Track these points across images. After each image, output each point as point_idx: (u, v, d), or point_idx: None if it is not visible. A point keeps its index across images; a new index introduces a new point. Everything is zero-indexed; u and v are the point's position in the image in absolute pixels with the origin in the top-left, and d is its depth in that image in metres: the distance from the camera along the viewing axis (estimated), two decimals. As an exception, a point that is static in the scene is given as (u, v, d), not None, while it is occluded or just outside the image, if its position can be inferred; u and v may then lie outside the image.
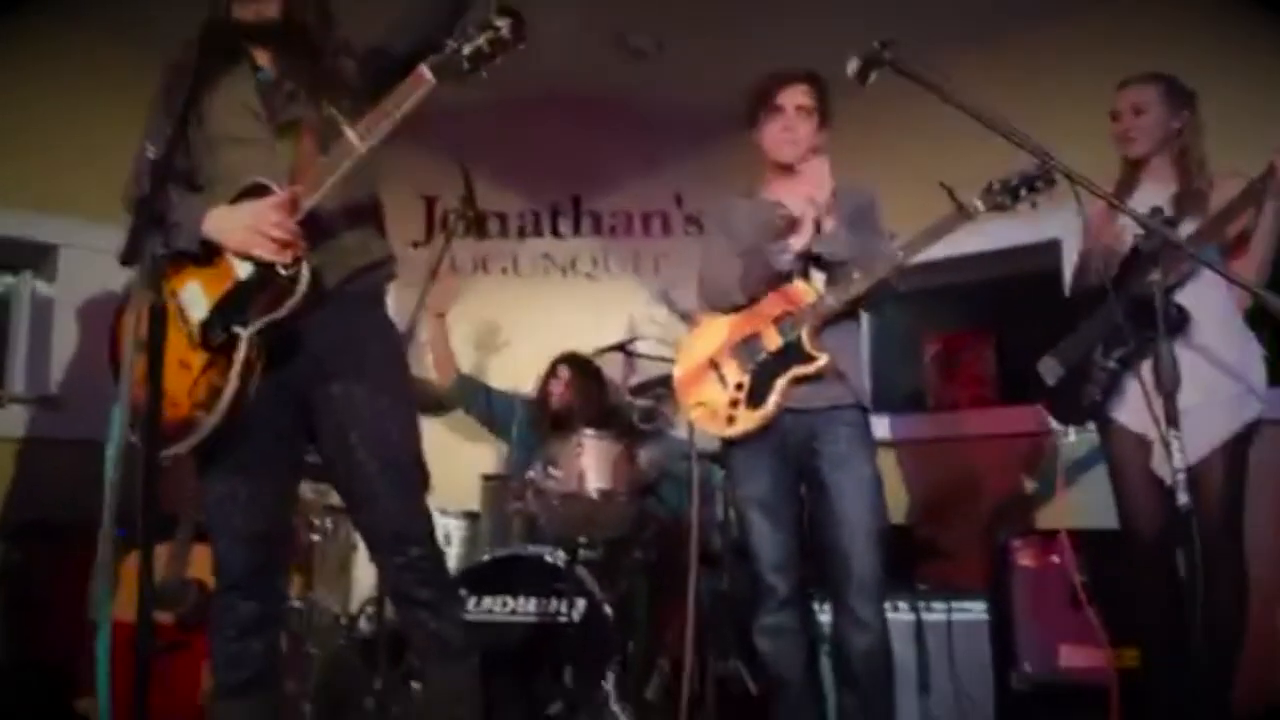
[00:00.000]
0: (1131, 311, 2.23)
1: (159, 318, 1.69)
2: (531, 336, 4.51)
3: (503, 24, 1.96)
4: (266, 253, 1.99)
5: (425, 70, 1.97)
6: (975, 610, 3.07)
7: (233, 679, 2.14)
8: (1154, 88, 2.66)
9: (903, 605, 3.06)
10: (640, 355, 4.02)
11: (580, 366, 4.11)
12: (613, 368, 4.11)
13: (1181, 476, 1.86)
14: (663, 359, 3.83)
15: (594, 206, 4.94)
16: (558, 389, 4.06)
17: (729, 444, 2.65)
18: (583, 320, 4.55)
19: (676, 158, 4.84)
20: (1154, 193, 2.60)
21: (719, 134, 4.70)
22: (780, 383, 2.52)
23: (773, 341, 2.56)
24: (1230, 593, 2.48)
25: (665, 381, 3.75)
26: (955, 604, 3.07)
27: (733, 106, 4.19)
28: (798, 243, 2.51)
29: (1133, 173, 2.70)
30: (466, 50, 1.94)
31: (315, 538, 3.46)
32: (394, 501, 2.15)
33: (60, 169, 3.85)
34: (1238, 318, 2.57)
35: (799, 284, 2.58)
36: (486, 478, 4.07)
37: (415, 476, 2.26)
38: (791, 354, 2.54)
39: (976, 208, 2.39)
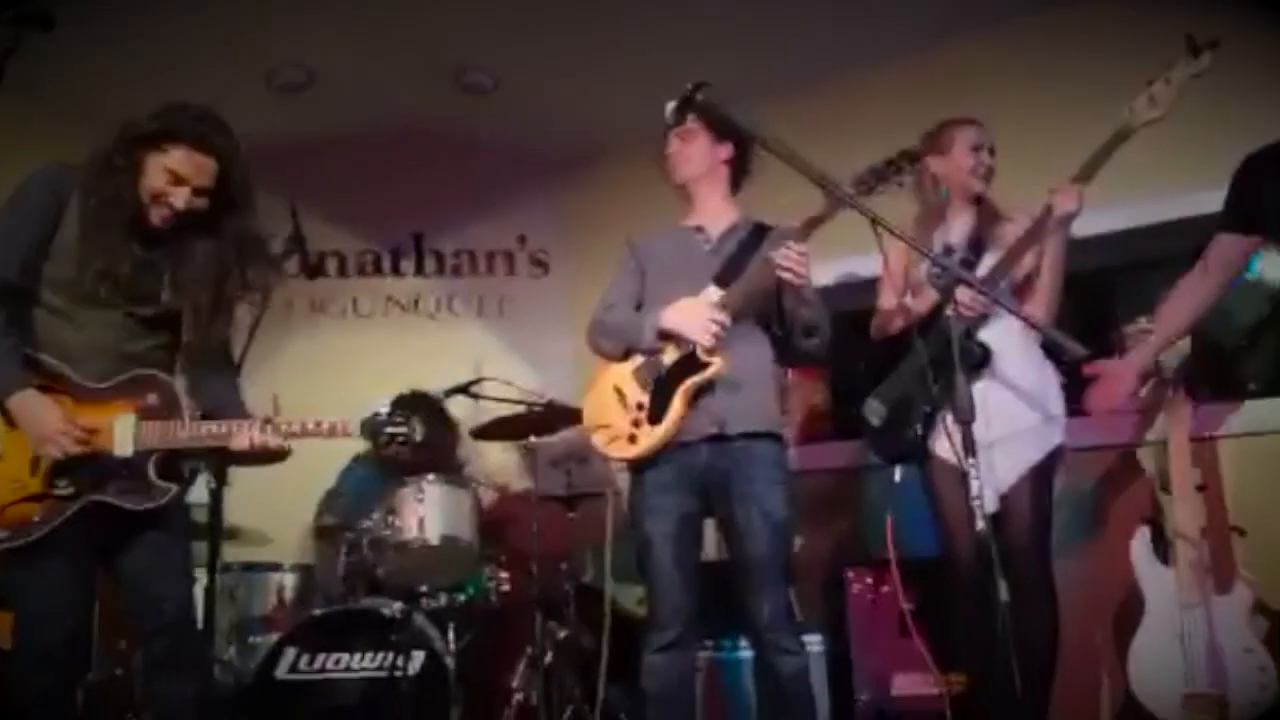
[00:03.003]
0: (938, 350, 2.32)
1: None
2: (372, 378, 4.38)
3: None
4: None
5: None
6: (812, 642, 3.12)
7: None
8: (959, 129, 2.80)
9: (743, 641, 3.09)
10: (486, 397, 3.96)
11: (423, 408, 4.01)
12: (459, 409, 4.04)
13: (977, 504, 1.95)
14: (510, 400, 3.80)
15: (437, 245, 4.87)
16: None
17: (637, 473, 2.61)
18: (427, 361, 4.45)
19: (520, 196, 4.84)
20: (954, 230, 2.75)
21: (563, 172, 4.75)
22: (678, 393, 2.50)
23: (670, 355, 2.55)
24: (1042, 613, 2.60)
25: (510, 423, 3.73)
26: (795, 637, 3.12)
27: (576, 144, 4.23)
28: (668, 359, 2.55)
29: (933, 216, 2.80)
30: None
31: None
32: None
33: None
34: (1037, 349, 2.71)
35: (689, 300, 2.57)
36: (321, 529, 3.92)
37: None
38: (687, 364, 2.52)
39: (848, 192, 2.33)
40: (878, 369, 2.80)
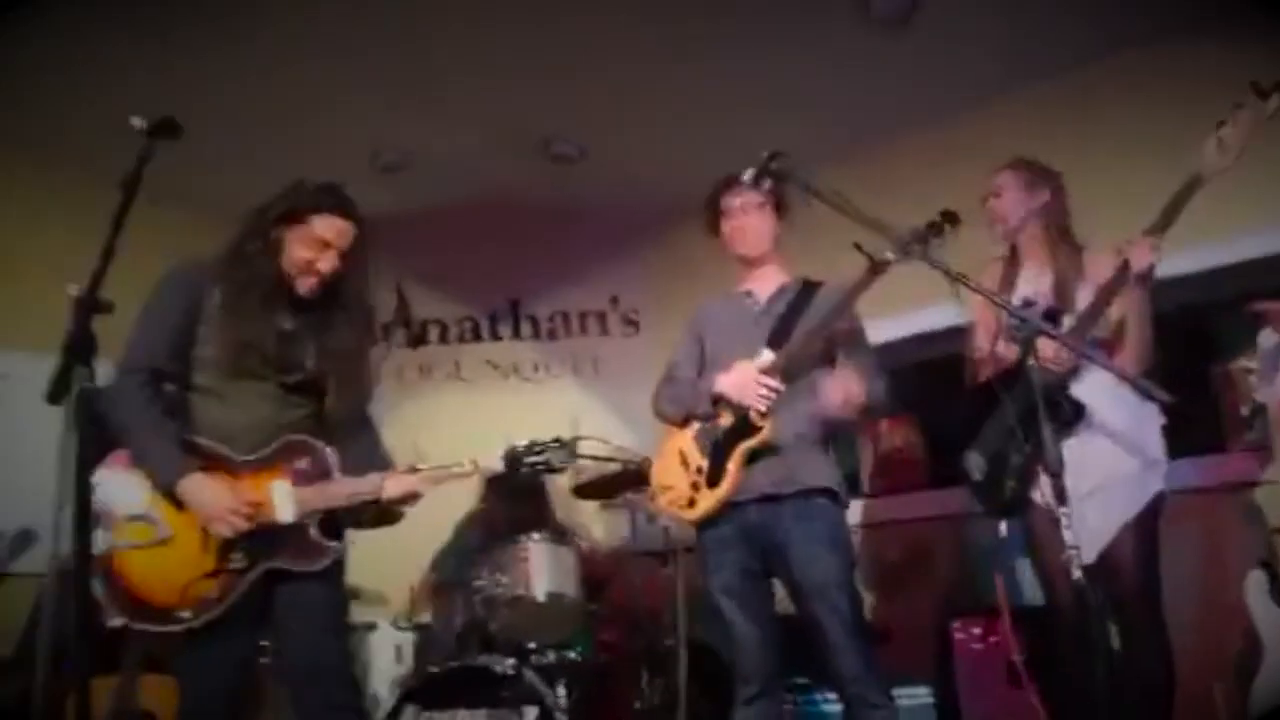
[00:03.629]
0: (1027, 403, 2.33)
1: (85, 453, 1.74)
2: (478, 438, 4.53)
3: None
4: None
5: None
6: (920, 695, 3.12)
7: None
8: (1011, 171, 2.83)
9: (831, 694, 3.06)
10: (583, 456, 4.06)
11: (516, 485, 4.16)
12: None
13: (1073, 553, 1.95)
14: (606, 459, 3.90)
15: (532, 310, 5.06)
16: (494, 504, 4.11)
17: (700, 532, 2.70)
18: (526, 422, 4.58)
19: (610, 259, 5.00)
20: (1033, 278, 2.75)
21: (649, 232, 4.89)
22: (733, 457, 2.58)
23: (725, 420, 2.64)
24: (1154, 663, 2.54)
25: (609, 480, 3.82)
26: (901, 690, 3.10)
27: (660, 205, 4.36)
28: (725, 423, 2.64)
29: (1011, 264, 2.83)
30: None
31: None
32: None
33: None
34: (1132, 395, 2.67)
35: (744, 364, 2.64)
36: (434, 588, 4.06)
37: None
38: (741, 429, 2.60)
39: (888, 257, 2.50)
40: (973, 416, 2.80)
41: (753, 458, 2.59)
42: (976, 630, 3.20)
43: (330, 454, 2.36)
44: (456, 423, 4.72)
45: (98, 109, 3.01)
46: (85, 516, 1.69)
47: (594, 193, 4.69)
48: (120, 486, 2.24)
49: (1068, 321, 2.51)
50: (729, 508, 2.61)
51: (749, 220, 2.78)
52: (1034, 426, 2.07)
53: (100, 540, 2.14)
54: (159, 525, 2.23)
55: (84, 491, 1.72)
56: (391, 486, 2.35)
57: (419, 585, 4.16)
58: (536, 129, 4.31)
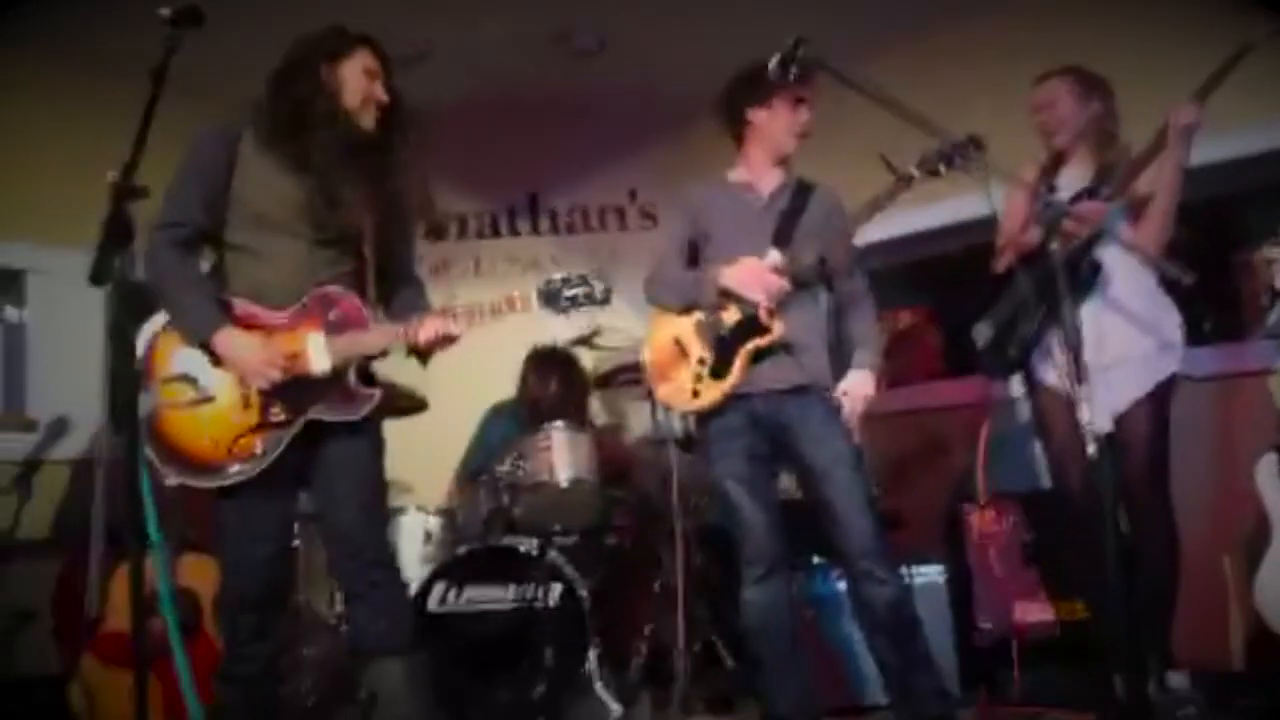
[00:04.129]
0: (1046, 281, 2.35)
1: (122, 335, 1.79)
2: (498, 334, 4.57)
3: None
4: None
5: None
6: (933, 573, 3.23)
7: (236, 672, 2.35)
8: (1062, 81, 2.78)
9: (836, 572, 3.20)
10: (604, 348, 4.14)
11: (558, 358, 4.24)
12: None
13: (1089, 429, 2.00)
14: (626, 349, 3.96)
15: (551, 204, 5.04)
16: (536, 383, 4.18)
17: (703, 423, 2.75)
18: (546, 317, 4.64)
19: (629, 152, 4.95)
20: (1076, 177, 2.72)
21: (668, 127, 4.83)
22: (740, 354, 2.63)
23: (732, 316, 2.67)
24: (1160, 540, 2.63)
25: (629, 370, 3.89)
26: (914, 568, 3.22)
27: (679, 98, 4.31)
28: (730, 318, 2.66)
29: (1055, 160, 2.80)
30: None
31: (298, 544, 3.54)
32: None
33: (24, 195, 3.92)
34: (1151, 278, 2.69)
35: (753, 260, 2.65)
36: (465, 478, 4.19)
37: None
38: (749, 326, 2.64)
39: (912, 173, 2.47)
40: (989, 300, 2.83)
41: (759, 356, 2.64)
42: (986, 512, 3.29)
43: (362, 303, 2.33)
44: (476, 319, 4.75)
45: (122, 7, 3.00)
46: (134, 389, 1.74)
47: (613, 86, 4.63)
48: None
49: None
50: (734, 398, 2.66)
51: (797, 114, 2.71)
52: (1051, 300, 2.09)
53: (143, 403, 2.16)
54: (200, 383, 2.26)
55: (128, 365, 1.77)
56: (425, 329, 2.27)
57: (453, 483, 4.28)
58: (556, 21, 4.23)
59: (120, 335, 1.76)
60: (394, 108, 2.38)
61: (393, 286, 2.46)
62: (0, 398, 4.03)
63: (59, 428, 3.83)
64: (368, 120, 2.34)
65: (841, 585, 3.11)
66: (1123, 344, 2.60)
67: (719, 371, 2.65)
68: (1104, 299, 2.61)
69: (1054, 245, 2.10)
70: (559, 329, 4.20)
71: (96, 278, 1.84)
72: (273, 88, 2.33)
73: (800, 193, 2.76)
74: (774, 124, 2.74)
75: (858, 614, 2.77)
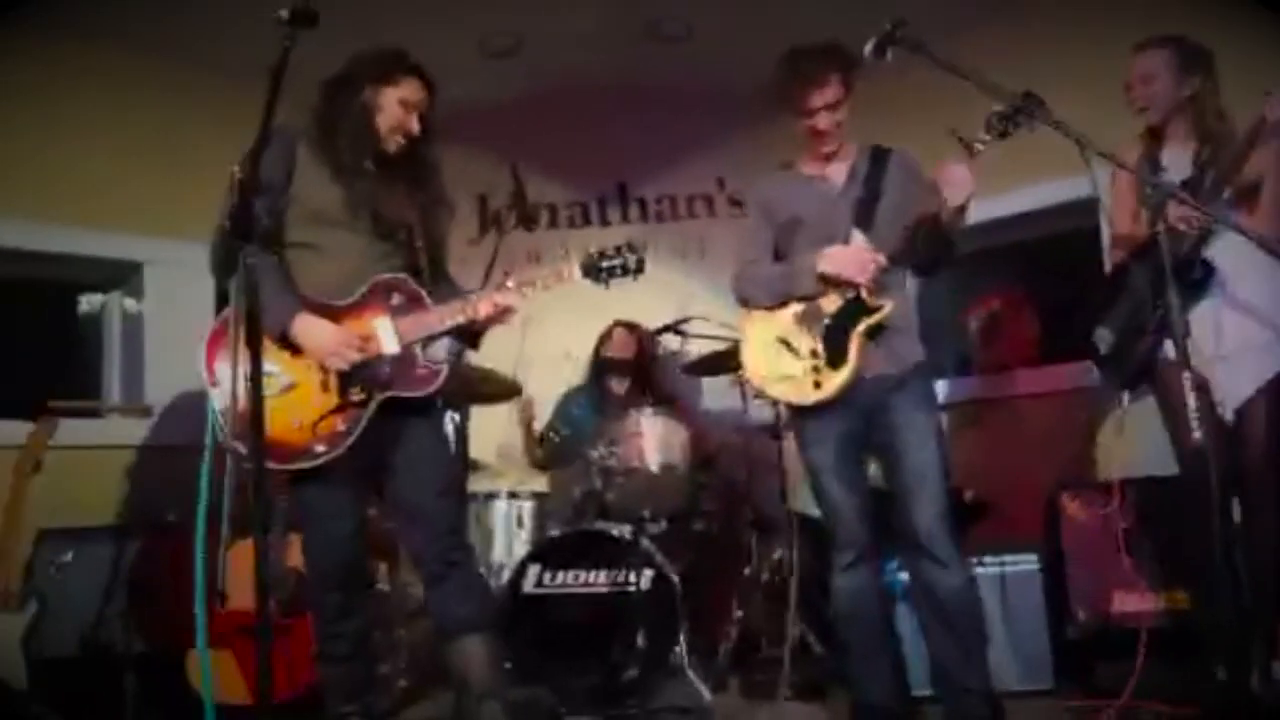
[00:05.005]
0: (1157, 274, 2.29)
1: (257, 322, 1.87)
2: (589, 321, 4.65)
3: None
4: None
5: None
6: (1027, 562, 3.18)
7: (331, 650, 2.50)
8: (1161, 53, 2.67)
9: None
10: (693, 335, 4.18)
11: (635, 328, 4.39)
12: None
13: (1195, 417, 1.96)
14: (715, 337, 3.99)
15: (640, 193, 5.08)
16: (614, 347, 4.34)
17: (797, 413, 2.76)
18: (634, 304, 4.68)
19: (716, 140, 4.95)
20: (1177, 156, 2.64)
21: (755, 113, 4.80)
22: (854, 337, 2.61)
23: (831, 304, 2.65)
24: (1274, 531, 2.55)
25: (718, 358, 3.92)
26: (1008, 557, 3.18)
27: (765, 87, 4.28)
28: (830, 305, 2.65)
29: (1153, 141, 2.72)
30: None
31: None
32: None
33: (141, 190, 4.11)
34: (1273, 266, 2.59)
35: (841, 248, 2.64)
36: (543, 458, 4.32)
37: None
38: (855, 309, 2.63)
39: (982, 139, 2.38)
40: (1103, 299, 2.77)
41: (870, 335, 2.62)
42: (1086, 500, 3.22)
43: (418, 286, 2.47)
44: (569, 307, 4.82)
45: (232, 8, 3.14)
46: (258, 377, 1.82)
47: (701, 75, 4.64)
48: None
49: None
50: None
51: (833, 119, 2.65)
52: (1162, 291, 2.05)
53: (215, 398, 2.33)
54: (280, 375, 2.39)
55: (256, 354, 1.84)
56: (484, 304, 2.42)
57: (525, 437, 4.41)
58: (645, 9, 4.26)
59: (251, 328, 1.82)
60: (423, 136, 2.51)
61: (434, 282, 2.57)
62: (119, 386, 4.25)
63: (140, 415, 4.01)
64: (392, 145, 2.49)
65: (902, 576, 3.06)
66: (1242, 333, 2.53)
67: (835, 360, 2.63)
68: (1222, 290, 2.53)
69: (1161, 228, 2.05)
70: (645, 318, 4.29)
71: (222, 269, 1.93)
72: (321, 94, 2.49)
73: (875, 165, 2.72)
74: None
75: (916, 601, 2.75)
